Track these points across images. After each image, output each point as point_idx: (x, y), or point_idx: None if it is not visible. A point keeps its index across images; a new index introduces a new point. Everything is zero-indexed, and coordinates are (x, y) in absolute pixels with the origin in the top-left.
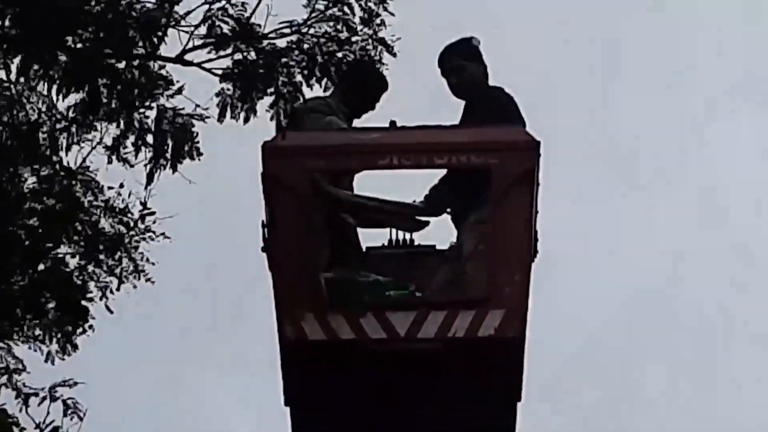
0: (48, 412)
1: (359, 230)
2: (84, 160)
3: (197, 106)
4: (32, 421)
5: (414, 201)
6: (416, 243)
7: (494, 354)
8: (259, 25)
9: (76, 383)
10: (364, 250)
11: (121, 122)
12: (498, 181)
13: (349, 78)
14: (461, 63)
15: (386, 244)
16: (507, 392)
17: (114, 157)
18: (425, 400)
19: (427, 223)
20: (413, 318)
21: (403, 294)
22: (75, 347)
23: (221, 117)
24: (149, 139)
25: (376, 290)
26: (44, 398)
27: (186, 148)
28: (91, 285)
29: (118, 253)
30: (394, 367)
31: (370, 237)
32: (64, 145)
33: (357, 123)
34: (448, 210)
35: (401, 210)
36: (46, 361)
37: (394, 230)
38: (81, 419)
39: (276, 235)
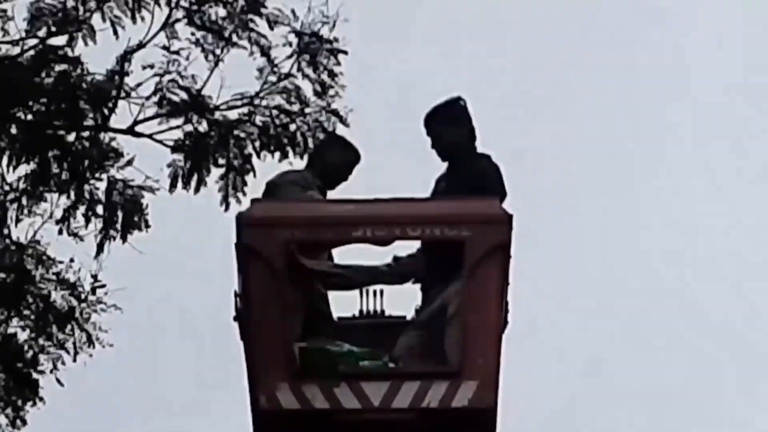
0: None
1: (330, 299)
2: (35, 233)
3: (147, 177)
4: None
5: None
6: (387, 314)
7: (468, 424)
8: (210, 97)
9: None
10: (335, 319)
11: (72, 193)
12: (471, 253)
13: (321, 151)
14: (443, 128)
15: (357, 314)
16: None
17: (64, 229)
18: None
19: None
20: (387, 388)
21: (377, 364)
22: (24, 422)
23: (172, 187)
24: (99, 210)
25: (350, 360)
26: None
27: (136, 219)
28: (42, 358)
29: (69, 326)
30: None
31: (342, 305)
32: (14, 217)
33: (330, 195)
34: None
35: (374, 279)
36: None
37: (364, 300)
38: None
39: (249, 305)
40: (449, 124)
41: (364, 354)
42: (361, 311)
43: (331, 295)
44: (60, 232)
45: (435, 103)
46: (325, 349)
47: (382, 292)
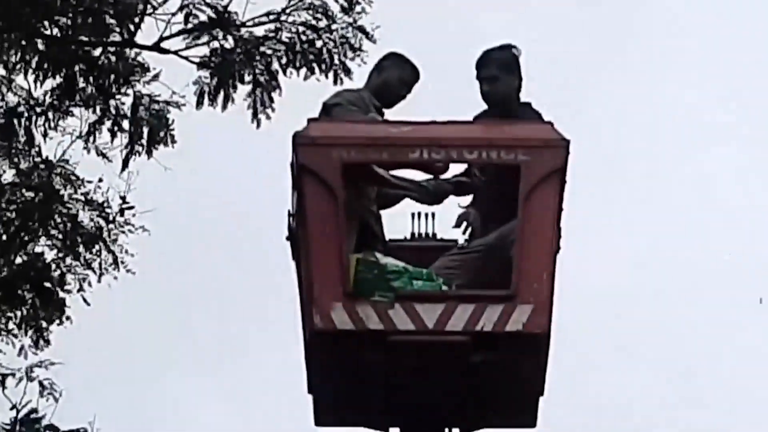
0: (24, 393)
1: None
2: (64, 152)
3: (174, 93)
4: (9, 402)
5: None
6: (438, 237)
7: (521, 349)
8: (236, 14)
9: (52, 363)
10: (387, 241)
11: (98, 108)
12: (527, 178)
13: (378, 69)
14: (496, 73)
15: (407, 237)
16: (531, 387)
17: (92, 147)
18: (450, 392)
19: (445, 196)
20: (442, 310)
21: (432, 285)
22: (47, 342)
23: (199, 104)
24: (125, 125)
25: (403, 277)
26: (21, 379)
27: (161, 134)
28: (69, 277)
29: (97, 246)
30: (421, 359)
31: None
32: (42, 132)
33: (388, 114)
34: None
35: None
36: (19, 354)
37: (415, 223)
38: (57, 400)
39: (305, 224)
40: (506, 71)
41: (417, 274)
42: (412, 234)
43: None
44: (86, 148)
45: (489, 47)
46: (380, 264)
47: (434, 215)
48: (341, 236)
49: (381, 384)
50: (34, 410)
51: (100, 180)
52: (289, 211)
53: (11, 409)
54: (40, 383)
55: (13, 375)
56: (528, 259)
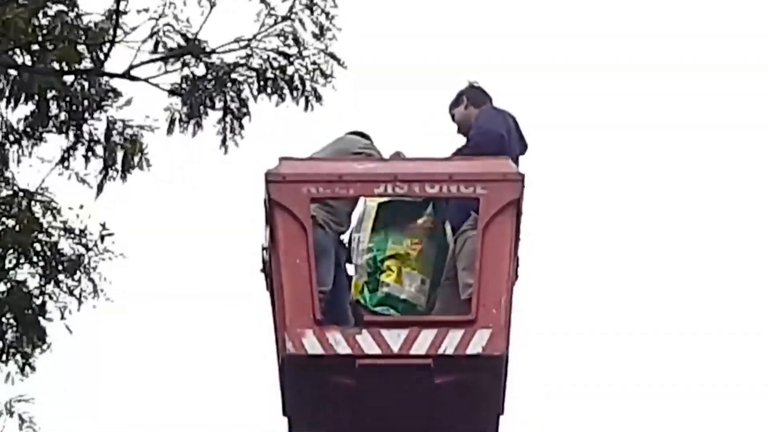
0: (3, 427)
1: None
2: (43, 180)
3: (147, 117)
4: None
5: None
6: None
7: (481, 370)
8: (206, 41)
9: (32, 398)
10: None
11: (71, 134)
12: (486, 209)
13: None
14: (451, 112)
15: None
16: (491, 406)
17: (71, 173)
18: (415, 412)
19: None
20: (406, 335)
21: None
22: (33, 368)
23: (170, 131)
24: (99, 150)
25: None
26: (0, 413)
27: (136, 159)
28: (50, 305)
29: (78, 274)
30: (387, 381)
31: None
32: (16, 158)
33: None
34: None
35: None
36: (5, 381)
37: None
38: None
39: (276, 256)
40: (456, 105)
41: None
42: None
43: None
44: (61, 174)
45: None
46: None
47: None
48: (311, 267)
49: (351, 405)
50: None
51: (81, 206)
52: (262, 245)
53: None
54: (20, 417)
55: None
56: (486, 286)
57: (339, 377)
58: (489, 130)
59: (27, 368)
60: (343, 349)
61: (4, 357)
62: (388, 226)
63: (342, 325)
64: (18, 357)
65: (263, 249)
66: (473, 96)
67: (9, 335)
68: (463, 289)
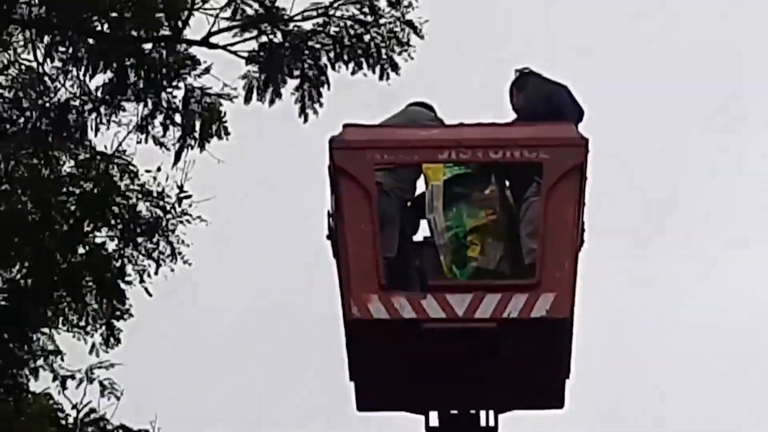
0: (84, 393)
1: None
2: (120, 144)
3: (225, 85)
4: (69, 402)
5: None
6: None
7: (545, 333)
8: (284, 9)
9: (112, 365)
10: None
11: (149, 102)
12: (549, 174)
13: None
14: (511, 102)
15: None
16: (557, 370)
17: (148, 137)
18: (480, 376)
19: None
20: (470, 299)
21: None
22: (118, 340)
23: (247, 99)
24: (177, 118)
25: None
26: (81, 380)
27: (214, 127)
28: (129, 268)
29: (156, 236)
30: (452, 345)
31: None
32: (94, 125)
33: None
34: None
35: None
36: (90, 352)
37: None
38: (118, 399)
39: (342, 223)
40: (511, 93)
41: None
42: None
43: None
44: (139, 141)
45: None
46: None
47: None
48: (376, 233)
49: (416, 370)
50: (93, 410)
51: (158, 169)
52: (328, 212)
53: (72, 409)
54: (101, 383)
55: (73, 377)
56: (550, 250)
57: (404, 341)
58: (530, 99)
59: (112, 339)
60: (408, 313)
61: (89, 328)
62: (459, 200)
63: (407, 290)
64: (104, 328)
65: (329, 216)
66: (517, 82)
67: (88, 299)
68: (528, 254)
